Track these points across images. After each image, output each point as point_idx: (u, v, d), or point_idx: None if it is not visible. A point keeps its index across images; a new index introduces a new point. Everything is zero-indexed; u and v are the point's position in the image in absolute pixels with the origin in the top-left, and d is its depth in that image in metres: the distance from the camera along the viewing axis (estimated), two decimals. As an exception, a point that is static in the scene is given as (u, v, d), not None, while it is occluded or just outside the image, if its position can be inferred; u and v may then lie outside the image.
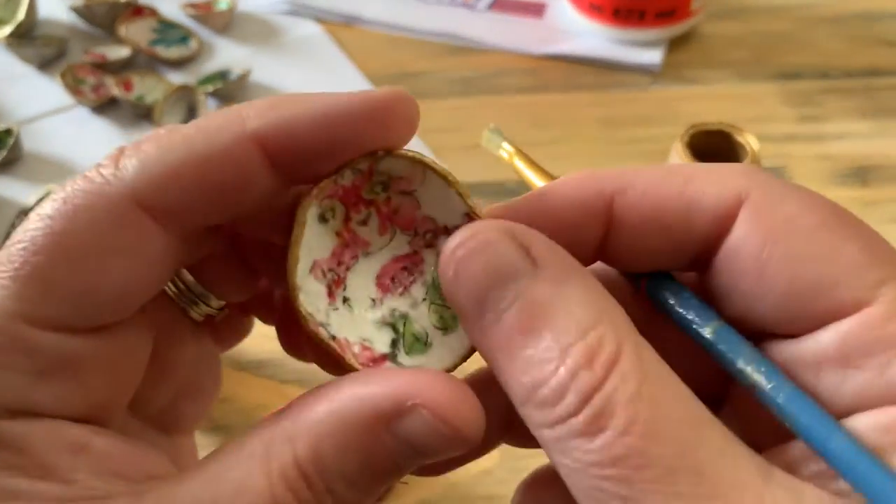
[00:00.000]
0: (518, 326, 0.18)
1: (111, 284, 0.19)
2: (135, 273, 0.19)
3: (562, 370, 0.17)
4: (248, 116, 0.20)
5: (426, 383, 0.19)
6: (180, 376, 0.25)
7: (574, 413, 0.17)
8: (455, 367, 0.21)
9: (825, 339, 0.18)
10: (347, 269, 0.22)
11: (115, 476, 0.19)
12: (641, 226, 0.20)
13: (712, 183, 0.20)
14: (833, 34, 0.64)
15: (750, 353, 0.19)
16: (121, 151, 0.20)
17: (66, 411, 0.19)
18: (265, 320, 0.28)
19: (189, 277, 0.24)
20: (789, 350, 0.19)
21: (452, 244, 0.19)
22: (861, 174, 0.53)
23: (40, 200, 0.49)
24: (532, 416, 0.18)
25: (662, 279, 0.21)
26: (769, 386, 0.18)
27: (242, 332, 0.29)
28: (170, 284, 0.24)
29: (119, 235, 0.19)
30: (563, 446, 0.17)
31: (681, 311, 0.20)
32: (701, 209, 0.20)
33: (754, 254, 0.19)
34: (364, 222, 0.22)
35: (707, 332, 0.20)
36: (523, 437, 0.23)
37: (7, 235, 0.49)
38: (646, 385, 0.17)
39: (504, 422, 0.23)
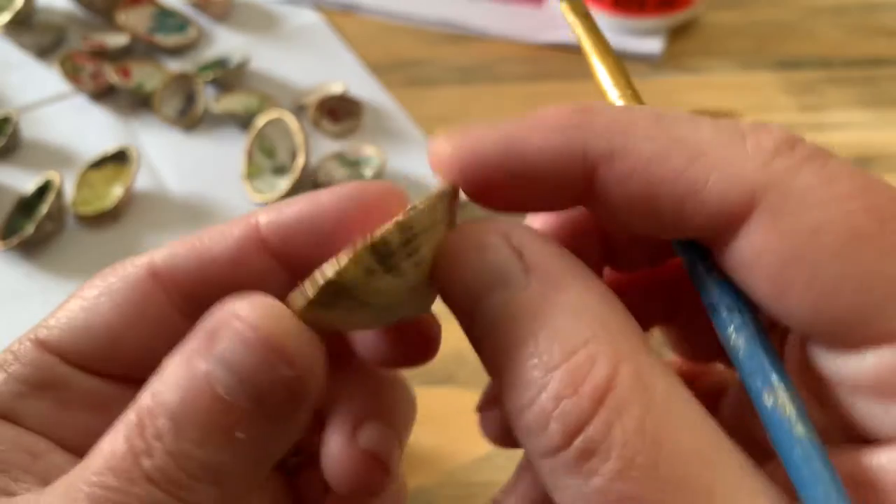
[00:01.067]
0: (504, 339, 0.16)
1: (125, 341, 0.20)
2: (147, 342, 0.20)
3: (542, 396, 0.15)
4: (256, 214, 0.21)
5: (250, 298, 0.17)
6: None
7: (561, 446, 0.15)
8: None
9: (863, 364, 0.16)
10: None
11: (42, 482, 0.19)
12: (623, 206, 0.17)
13: (723, 168, 0.16)
14: (834, 23, 0.64)
15: (771, 377, 0.16)
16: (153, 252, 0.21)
17: (44, 430, 0.20)
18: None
19: None
20: (825, 359, 0.17)
21: (445, 243, 0.18)
22: (861, 163, 0.53)
23: (39, 188, 0.49)
24: (523, 441, 0.16)
25: (692, 250, 0.18)
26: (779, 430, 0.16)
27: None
28: None
29: (139, 307, 0.20)
30: (555, 481, 0.16)
31: (706, 292, 0.18)
32: (701, 202, 0.17)
33: (773, 273, 0.16)
34: None
35: (729, 331, 0.17)
36: None
37: (5, 223, 0.49)
38: (649, 416, 0.15)
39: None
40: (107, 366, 0.21)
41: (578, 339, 0.16)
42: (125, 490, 0.16)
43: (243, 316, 0.17)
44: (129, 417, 0.17)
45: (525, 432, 0.16)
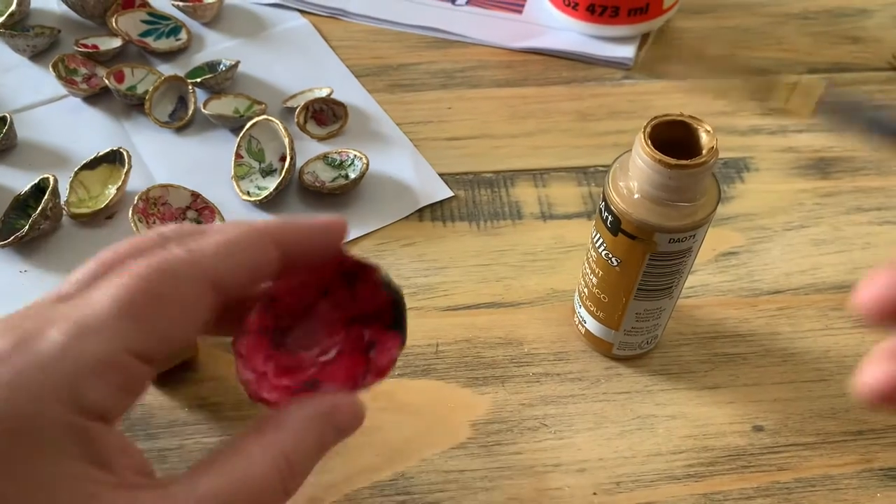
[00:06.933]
0: None
1: (183, 332, 0.25)
2: (196, 327, 0.25)
3: None
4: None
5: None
6: None
7: None
8: None
9: None
10: None
11: (141, 473, 0.25)
12: None
13: None
14: (801, 30, 0.66)
15: None
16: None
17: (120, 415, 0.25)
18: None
19: None
20: None
21: None
22: (821, 166, 0.56)
23: (35, 187, 0.51)
24: None
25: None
26: None
27: None
28: None
29: (197, 302, 0.25)
30: None
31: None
32: None
33: None
34: None
35: None
36: None
37: (1, 221, 0.51)
38: None
39: None
40: (158, 354, 0.25)
41: None
42: None
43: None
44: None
45: None
